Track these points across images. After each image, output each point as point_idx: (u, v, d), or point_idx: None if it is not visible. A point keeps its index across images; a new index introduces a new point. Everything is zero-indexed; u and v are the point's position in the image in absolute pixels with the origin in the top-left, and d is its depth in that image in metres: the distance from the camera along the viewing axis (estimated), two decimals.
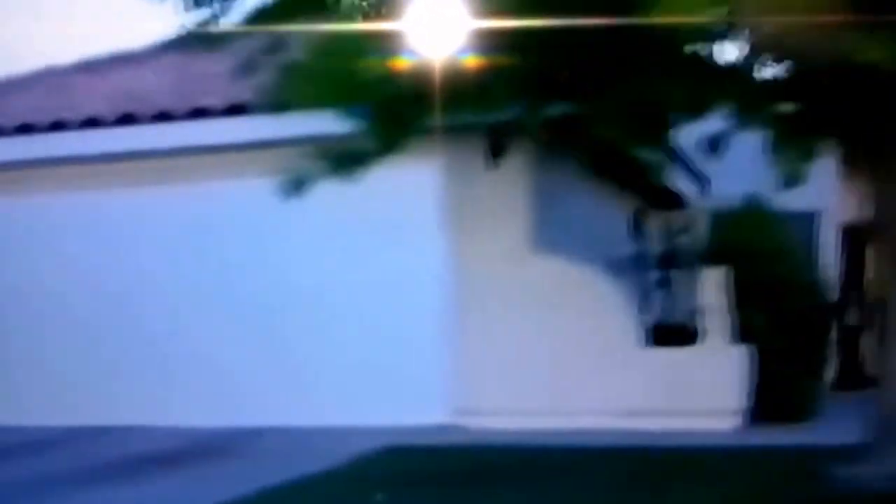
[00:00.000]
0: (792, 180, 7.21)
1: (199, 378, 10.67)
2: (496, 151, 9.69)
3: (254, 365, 10.52)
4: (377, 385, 10.14)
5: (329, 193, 9.98)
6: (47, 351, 11.29)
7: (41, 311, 11.33)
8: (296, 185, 6.89)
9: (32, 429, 10.51)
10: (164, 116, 10.12)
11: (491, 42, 6.45)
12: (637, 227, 11.03)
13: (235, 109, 9.96)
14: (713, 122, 7.55)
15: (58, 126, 10.48)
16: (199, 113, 10.01)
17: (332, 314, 10.33)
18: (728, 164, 10.92)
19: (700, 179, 12.56)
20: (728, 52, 7.27)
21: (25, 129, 10.58)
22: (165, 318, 10.85)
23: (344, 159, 6.73)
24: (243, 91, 10.17)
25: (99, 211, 11.07)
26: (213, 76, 11.15)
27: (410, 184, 10.08)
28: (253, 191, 10.33)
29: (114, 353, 11.04)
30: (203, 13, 6.60)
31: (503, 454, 8.53)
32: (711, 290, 9.70)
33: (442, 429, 9.69)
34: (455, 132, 8.67)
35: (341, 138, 7.22)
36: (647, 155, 9.01)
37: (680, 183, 11.90)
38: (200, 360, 10.70)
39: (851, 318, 13.17)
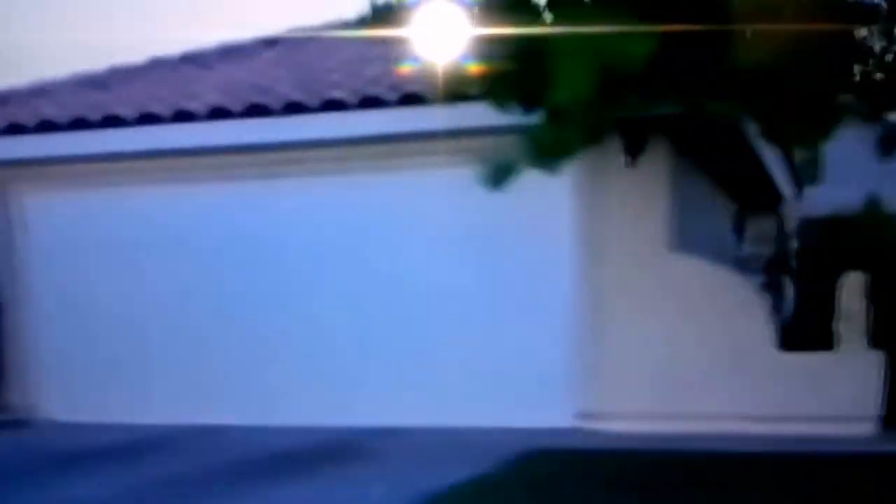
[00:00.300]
0: None
1: (323, 377, 10.53)
2: (634, 149, 9.56)
3: (378, 363, 10.39)
4: (502, 386, 10.00)
5: (461, 192, 10.11)
6: (165, 348, 11.16)
7: (162, 307, 11.20)
8: (498, 176, 6.74)
9: (149, 427, 10.43)
10: (294, 108, 9.94)
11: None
12: (743, 229, 10.93)
13: (368, 102, 9.80)
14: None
15: (181, 116, 10.31)
16: (331, 105, 9.83)
17: (462, 313, 10.18)
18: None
19: (802, 182, 12.46)
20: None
21: (147, 119, 10.41)
22: (293, 315, 10.69)
23: (545, 150, 6.60)
24: (367, 84, 10.14)
25: (221, 204, 10.95)
26: (327, 69, 11.12)
27: (544, 182, 9.94)
28: (385, 187, 10.32)
29: (238, 351, 10.91)
30: None
31: (650, 459, 8.37)
32: (847, 293, 9.57)
33: (567, 432, 9.55)
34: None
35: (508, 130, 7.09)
36: (799, 155, 8.92)
37: (785, 185, 11.79)
38: (326, 359, 10.58)
39: None
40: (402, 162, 10.28)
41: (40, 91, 11.89)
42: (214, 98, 10.58)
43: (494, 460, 8.10)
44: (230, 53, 12.05)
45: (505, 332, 10.08)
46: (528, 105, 7.90)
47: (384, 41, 11.41)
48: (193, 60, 11.98)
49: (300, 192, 10.70)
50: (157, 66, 12.16)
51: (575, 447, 8.83)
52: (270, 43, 12.21)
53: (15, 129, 10.86)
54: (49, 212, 11.54)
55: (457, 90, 7.97)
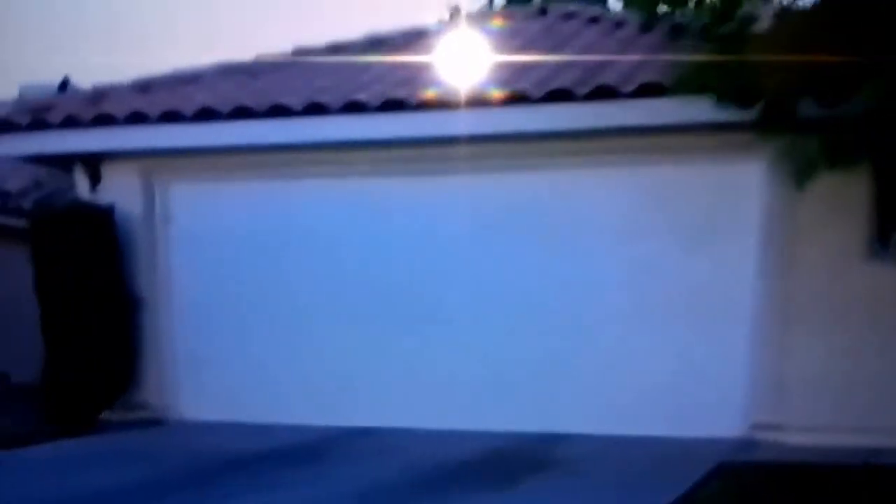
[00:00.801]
0: None
1: (481, 383, 10.24)
2: (835, 151, 9.21)
3: (542, 369, 10.08)
4: (675, 395, 9.71)
5: (636, 187, 9.82)
6: (305, 347, 10.86)
7: (304, 306, 10.89)
8: (801, 175, 6.44)
9: (292, 428, 10.16)
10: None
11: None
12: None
13: (555, 95, 9.49)
14: None
15: (352, 107, 9.98)
16: (518, 99, 9.50)
17: (633, 319, 9.87)
18: None
19: None
20: None
21: (315, 108, 10.09)
22: (449, 318, 10.41)
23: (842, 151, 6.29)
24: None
25: (374, 200, 10.66)
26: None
27: (728, 182, 9.67)
28: (560, 184, 10.02)
29: (385, 353, 10.60)
30: None
31: (848, 472, 8.02)
32: None
33: (744, 443, 9.19)
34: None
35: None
36: None
37: None
38: (484, 364, 10.28)
39: None
40: (579, 159, 9.96)
41: (190, 78, 11.55)
42: (381, 89, 10.24)
43: (692, 473, 7.77)
44: (376, 45, 11.70)
45: (678, 338, 9.76)
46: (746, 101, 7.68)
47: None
48: (342, 50, 11.64)
49: (463, 188, 10.41)
50: (303, 56, 11.82)
51: (772, 460, 8.51)
52: (419, 34, 11.87)
53: (170, 116, 10.51)
54: (194, 203, 11.25)
55: (691, 84, 7.67)
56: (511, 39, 11.28)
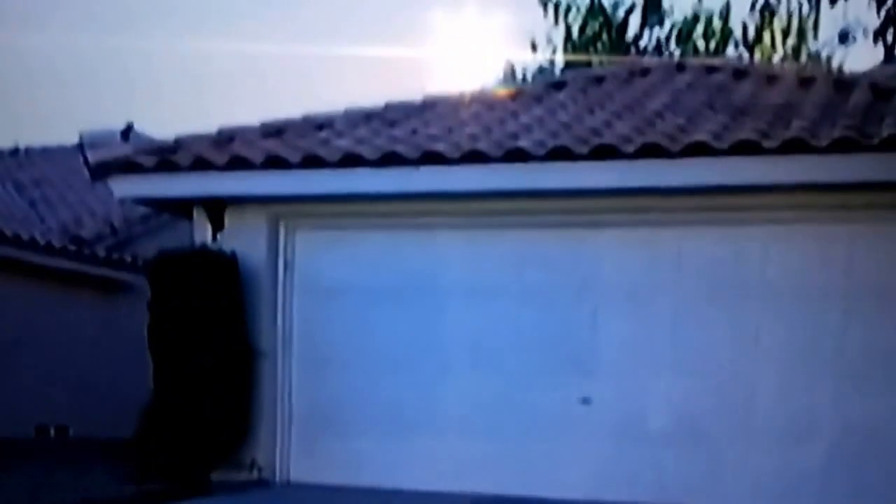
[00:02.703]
0: None
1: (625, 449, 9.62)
2: None
3: (704, 439, 9.49)
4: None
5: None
6: (429, 408, 10.23)
7: (427, 365, 10.30)
8: None
9: (429, 495, 9.58)
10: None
11: None
12: None
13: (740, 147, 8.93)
14: None
15: (514, 156, 9.43)
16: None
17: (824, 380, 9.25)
18: None
19: None
20: None
21: (474, 156, 9.53)
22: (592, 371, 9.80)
23: None
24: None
25: (512, 254, 10.13)
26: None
27: None
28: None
29: (516, 415, 9.98)
30: None
31: None
32: None
33: None
34: None
35: None
36: None
37: None
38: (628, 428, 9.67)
39: None
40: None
41: (322, 123, 11.00)
42: (539, 136, 9.70)
43: None
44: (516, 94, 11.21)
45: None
46: None
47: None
48: (479, 101, 11.13)
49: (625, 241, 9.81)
50: (435, 104, 11.30)
51: None
52: (558, 85, 11.37)
53: (312, 161, 9.93)
54: (319, 251, 10.67)
55: None
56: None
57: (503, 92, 11.45)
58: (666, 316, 9.69)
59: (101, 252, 15.67)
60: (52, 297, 14.77)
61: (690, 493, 9.24)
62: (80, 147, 19.69)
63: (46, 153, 19.71)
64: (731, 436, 9.40)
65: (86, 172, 14.71)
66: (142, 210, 15.33)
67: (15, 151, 19.90)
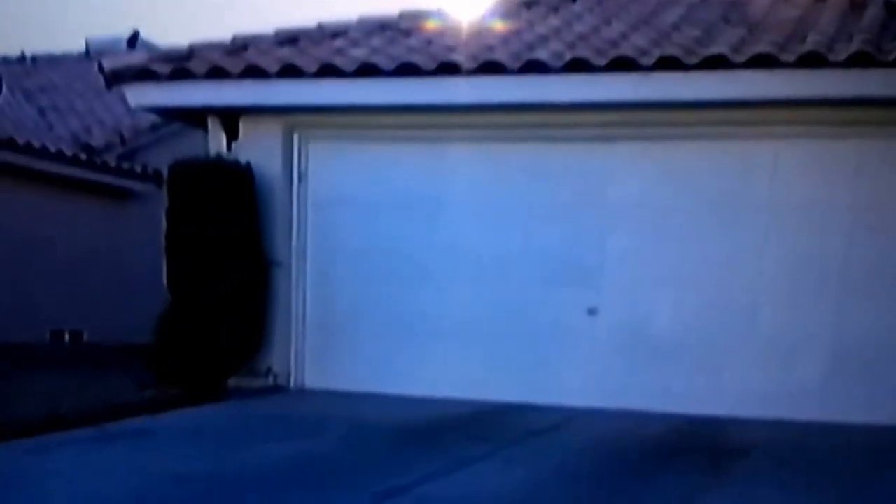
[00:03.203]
0: None
1: (630, 358, 9.77)
2: None
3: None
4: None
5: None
6: (441, 317, 10.32)
7: (440, 274, 10.37)
8: None
9: (426, 400, 9.69)
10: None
11: None
12: None
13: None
14: None
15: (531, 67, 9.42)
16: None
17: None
18: None
19: None
20: None
21: (490, 67, 9.53)
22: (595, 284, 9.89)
23: None
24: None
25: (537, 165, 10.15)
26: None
27: None
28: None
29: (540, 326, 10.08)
30: None
31: None
32: None
33: None
34: None
35: None
36: None
37: None
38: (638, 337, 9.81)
39: None
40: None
41: (336, 32, 10.98)
42: (558, 48, 9.69)
43: None
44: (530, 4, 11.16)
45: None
46: None
47: None
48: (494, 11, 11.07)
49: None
50: (450, 14, 11.25)
51: None
52: None
53: (328, 71, 9.93)
54: (332, 163, 10.72)
55: None
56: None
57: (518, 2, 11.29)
58: (674, 230, 9.76)
59: (112, 161, 15.71)
60: (64, 205, 14.87)
61: (692, 404, 9.30)
62: (87, 55, 19.66)
63: (53, 61, 19.64)
64: (734, 348, 9.51)
65: (94, 80, 14.80)
66: (150, 119, 15.35)
67: (21, 59, 19.82)
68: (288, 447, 7.61)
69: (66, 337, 14.71)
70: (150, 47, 17.51)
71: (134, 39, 19.88)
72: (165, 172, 10.69)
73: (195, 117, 11.13)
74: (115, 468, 6.77)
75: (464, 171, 10.34)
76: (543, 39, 10.00)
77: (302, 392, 10.49)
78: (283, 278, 10.63)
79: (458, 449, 7.68)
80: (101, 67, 11.22)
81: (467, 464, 7.11)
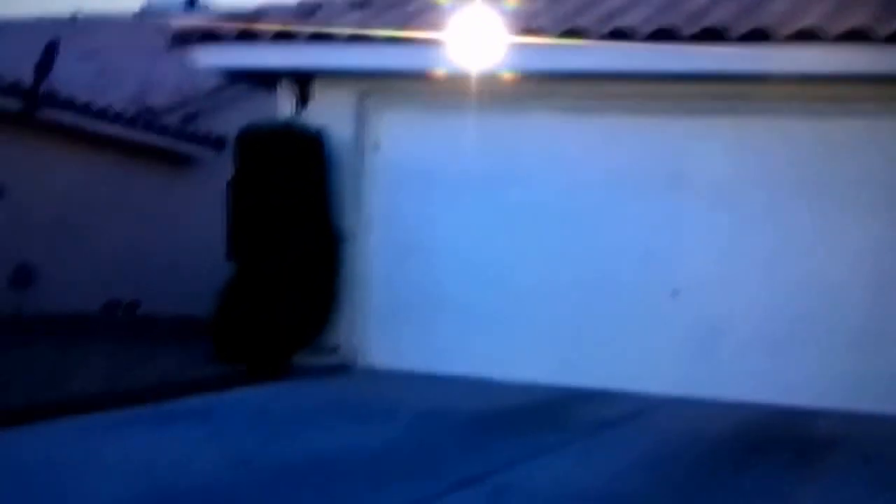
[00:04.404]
0: None
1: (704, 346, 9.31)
2: None
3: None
4: None
5: None
6: (517, 296, 9.88)
7: (518, 251, 9.93)
8: None
9: (509, 386, 9.29)
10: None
11: None
12: None
13: None
14: None
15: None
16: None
17: None
18: None
19: None
20: None
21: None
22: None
23: None
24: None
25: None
26: None
27: None
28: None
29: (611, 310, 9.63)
30: None
31: None
32: None
33: None
34: None
35: None
36: None
37: None
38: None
39: None
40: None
41: None
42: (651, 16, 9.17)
43: None
44: None
45: None
46: None
47: None
48: None
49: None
50: None
51: None
52: None
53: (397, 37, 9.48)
54: (408, 133, 10.33)
55: None
56: None
57: None
58: (758, 208, 9.36)
59: (174, 124, 15.33)
60: (123, 169, 14.49)
61: (774, 393, 8.92)
62: (142, 16, 19.29)
63: (106, 22, 19.25)
64: (820, 334, 9.08)
65: (150, 43, 14.38)
66: (211, 83, 14.94)
67: (73, 20, 19.45)
68: (355, 431, 7.28)
69: (122, 307, 14.34)
70: (208, 11, 17.07)
71: (192, 1, 19.47)
72: (227, 138, 10.26)
73: (263, 80, 10.76)
74: (177, 452, 6.38)
75: (540, 144, 9.93)
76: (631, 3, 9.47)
77: (370, 371, 10.10)
78: (351, 252, 10.20)
79: (536, 436, 7.33)
80: (166, 28, 10.80)
81: (545, 452, 6.81)
